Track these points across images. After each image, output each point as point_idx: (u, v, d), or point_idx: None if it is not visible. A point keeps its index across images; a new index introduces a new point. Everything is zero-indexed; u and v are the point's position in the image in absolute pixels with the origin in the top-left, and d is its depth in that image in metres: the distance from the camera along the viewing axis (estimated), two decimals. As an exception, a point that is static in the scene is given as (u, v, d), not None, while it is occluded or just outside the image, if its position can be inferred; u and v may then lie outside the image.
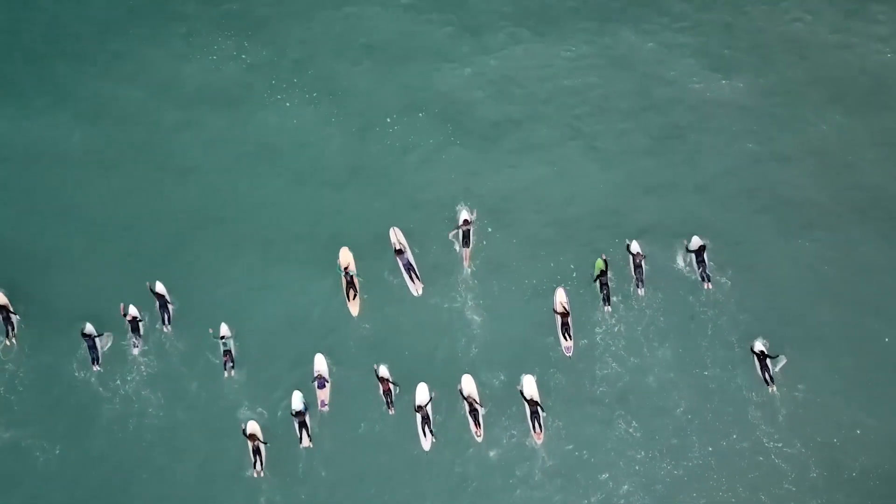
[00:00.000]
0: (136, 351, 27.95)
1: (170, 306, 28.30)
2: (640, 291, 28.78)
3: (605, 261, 28.68)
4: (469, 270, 29.10)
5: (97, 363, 27.62)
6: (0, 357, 27.95)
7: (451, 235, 29.26)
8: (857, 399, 27.01)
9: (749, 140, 31.19)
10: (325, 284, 28.92)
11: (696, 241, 29.05)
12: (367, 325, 28.41)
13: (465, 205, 29.84)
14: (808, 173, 30.49)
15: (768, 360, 26.93)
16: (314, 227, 29.83)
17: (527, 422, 26.78)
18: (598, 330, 28.26)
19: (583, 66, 32.65)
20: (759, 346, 27.34)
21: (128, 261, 29.30)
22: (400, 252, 28.60)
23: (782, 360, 27.27)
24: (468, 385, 27.24)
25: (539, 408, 26.62)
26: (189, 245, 29.64)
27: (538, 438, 26.62)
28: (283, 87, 32.30)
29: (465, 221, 29.26)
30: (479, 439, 26.65)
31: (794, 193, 30.14)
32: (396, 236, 29.02)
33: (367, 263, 28.97)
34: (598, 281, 28.46)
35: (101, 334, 27.79)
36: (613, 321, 28.36)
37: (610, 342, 28.08)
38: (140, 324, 28.02)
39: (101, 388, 27.56)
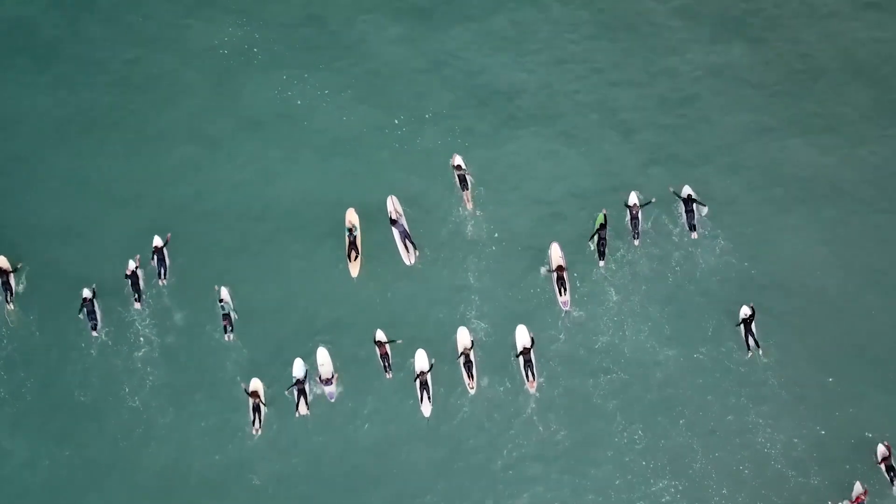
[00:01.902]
0: (137, 305, 27.56)
1: (167, 260, 27.88)
2: (636, 242, 28.89)
3: (605, 215, 28.70)
4: (471, 212, 29.02)
5: (96, 329, 27.19)
6: (7, 320, 27.49)
7: (461, 190, 29.31)
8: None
9: (754, 103, 31.20)
10: (326, 245, 28.72)
11: (685, 190, 29.23)
12: (365, 287, 28.25)
13: (457, 153, 29.81)
14: (813, 143, 30.45)
15: (753, 327, 27.35)
16: (315, 189, 29.59)
17: (519, 371, 27.15)
18: (593, 283, 28.39)
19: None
20: (745, 310, 27.63)
21: (128, 218, 29.10)
22: (395, 221, 28.34)
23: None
24: (463, 337, 27.37)
25: (531, 356, 26.95)
26: (191, 202, 29.39)
27: (531, 387, 26.99)
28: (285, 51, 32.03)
29: (458, 167, 29.20)
30: (473, 391, 26.93)
31: (797, 158, 30.25)
32: (394, 205, 28.72)
33: (371, 227, 28.88)
34: (596, 234, 28.45)
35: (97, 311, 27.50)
36: (608, 274, 28.49)
37: (605, 295, 28.24)
38: (140, 279, 27.63)
39: (105, 372, 27.27)
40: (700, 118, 30.95)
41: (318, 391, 26.84)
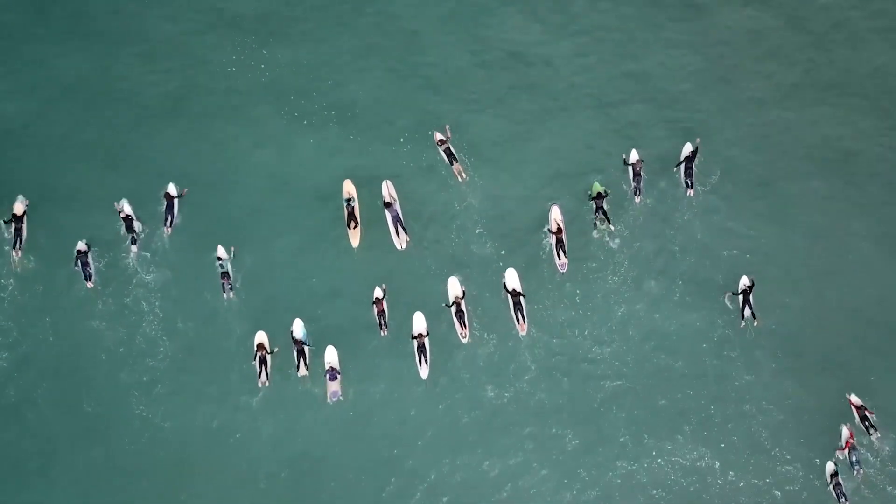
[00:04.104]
0: (133, 248, 27.78)
1: (175, 210, 28.13)
2: (637, 200, 28.24)
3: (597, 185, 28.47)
4: (463, 183, 28.84)
5: (90, 280, 27.49)
6: (14, 269, 27.85)
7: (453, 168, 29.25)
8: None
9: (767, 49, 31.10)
10: (326, 216, 28.77)
11: (687, 148, 28.76)
12: (365, 255, 28.14)
13: (437, 127, 29.65)
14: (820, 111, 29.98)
15: (751, 297, 26.36)
16: (316, 160, 29.78)
17: (510, 315, 26.54)
18: (592, 246, 27.84)
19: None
20: (745, 280, 26.68)
21: (129, 180, 29.17)
22: (389, 205, 28.54)
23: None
24: (454, 287, 27.03)
25: (521, 298, 26.37)
26: (196, 166, 29.50)
27: (522, 330, 26.38)
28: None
29: (441, 141, 29.30)
30: (465, 340, 26.38)
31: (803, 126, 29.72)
32: (388, 189, 28.96)
33: (367, 198, 28.93)
34: (593, 202, 28.01)
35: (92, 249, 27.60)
36: (607, 239, 27.91)
37: (603, 259, 27.66)
38: (134, 222, 27.89)
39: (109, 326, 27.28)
40: (707, 86, 30.71)
41: (322, 390, 26.33)
